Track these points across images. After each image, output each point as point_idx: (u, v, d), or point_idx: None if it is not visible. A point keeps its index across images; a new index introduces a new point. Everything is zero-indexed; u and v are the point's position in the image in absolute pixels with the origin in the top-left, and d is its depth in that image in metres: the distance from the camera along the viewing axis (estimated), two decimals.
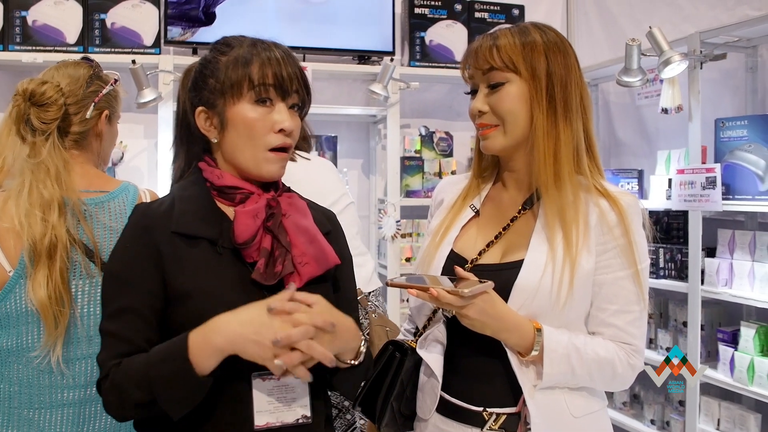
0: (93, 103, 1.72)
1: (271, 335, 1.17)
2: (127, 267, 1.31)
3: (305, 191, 2.78)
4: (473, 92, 1.49)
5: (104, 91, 1.74)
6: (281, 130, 1.34)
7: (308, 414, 1.33)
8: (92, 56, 1.91)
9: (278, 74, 1.33)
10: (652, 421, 3.37)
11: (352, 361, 1.32)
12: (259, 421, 1.29)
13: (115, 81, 1.80)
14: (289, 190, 1.46)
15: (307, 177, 2.71)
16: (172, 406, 1.21)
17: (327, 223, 1.49)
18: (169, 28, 3.52)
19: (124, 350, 1.27)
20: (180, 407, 1.21)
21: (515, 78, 1.42)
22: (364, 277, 2.56)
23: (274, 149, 1.35)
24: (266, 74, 1.32)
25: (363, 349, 1.34)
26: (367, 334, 2.57)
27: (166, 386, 1.20)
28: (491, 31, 1.48)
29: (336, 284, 1.45)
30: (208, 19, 3.58)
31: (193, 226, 1.32)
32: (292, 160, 2.74)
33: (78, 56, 1.89)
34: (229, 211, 1.37)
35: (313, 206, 1.49)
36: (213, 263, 1.31)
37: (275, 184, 1.43)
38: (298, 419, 1.32)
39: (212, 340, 1.20)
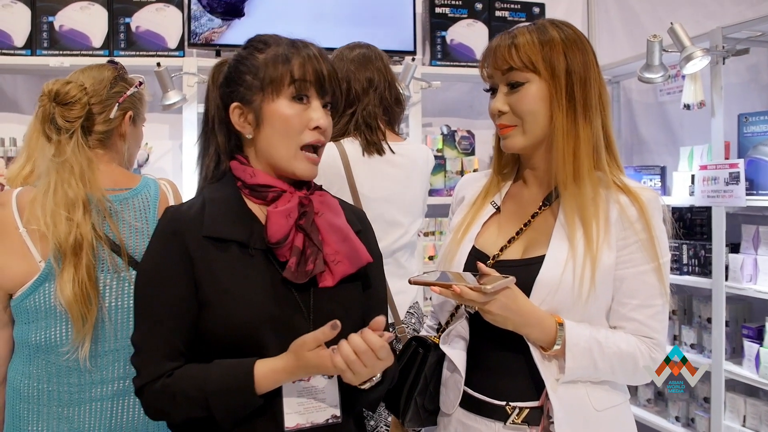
0: (117, 104, 1.74)
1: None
2: (158, 273, 1.33)
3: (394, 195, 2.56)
4: (492, 90, 1.50)
5: (128, 93, 1.77)
6: (317, 128, 1.36)
7: (338, 414, 1.35)
8: (117, 59, 1.94)
9: (318, 71, 1.35)
10: (677, 418, 3.35)
11: (362, 386, 1.31)
12: (289, 422, 1.31)
13: (140, 84, 1.83)
14: (320, 188, 1.46)
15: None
16: (229, 424, 1.28)
17: (357, 222, 1.49)
18: (193, 23, 3.54)
19: (165, 355, 1.30)
20: (235, 422, 1.28)
21: (535, 78, 1.42)
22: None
23: (306, 147, 1.36)
24: (307, 71, 1.34)
25: (377, 378, 1.32)
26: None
27: (230, 413, 1.27)
28: (509, 30, 1.48)
29: (367, 282, 1.45)
30: (236, 12, 3.59)
31: (224, 229, 1.33)
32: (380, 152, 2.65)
33: (104, 60, 1.92)
34: (258, 211, 1.38)
35: (343, 205, 1.50)
36: (244, 266, 1.33)
37: (307, 182, 1.43)
38: (328, 419, 1.34)
39: (280, 380, 1.28)
